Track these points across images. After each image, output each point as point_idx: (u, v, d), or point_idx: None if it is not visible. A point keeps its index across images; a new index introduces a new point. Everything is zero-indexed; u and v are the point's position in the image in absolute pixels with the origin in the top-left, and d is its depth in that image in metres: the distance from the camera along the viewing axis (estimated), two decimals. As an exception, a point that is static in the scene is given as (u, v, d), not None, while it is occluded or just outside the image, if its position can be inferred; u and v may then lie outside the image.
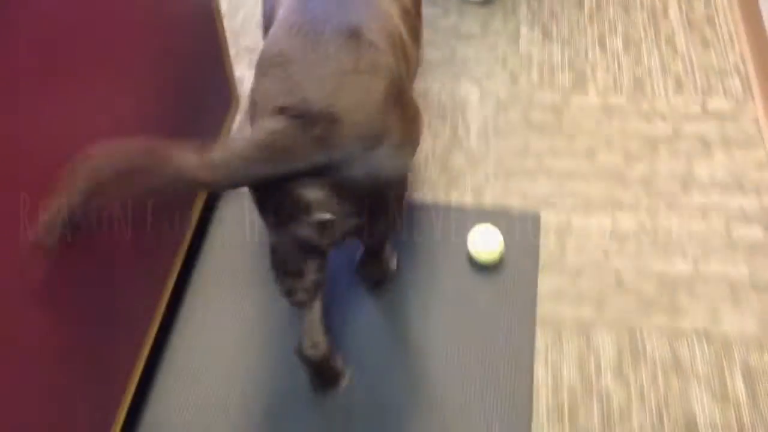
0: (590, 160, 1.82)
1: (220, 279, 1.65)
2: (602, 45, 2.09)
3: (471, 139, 1.88)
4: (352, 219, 1.16)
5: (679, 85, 1.97)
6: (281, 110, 1.07)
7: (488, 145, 1.86)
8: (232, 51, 2.10)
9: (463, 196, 1.76)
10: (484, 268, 1.62)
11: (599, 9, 2.19)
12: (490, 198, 1.75)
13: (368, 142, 1.10)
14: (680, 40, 2.09)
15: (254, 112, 1.14)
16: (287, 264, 1.25)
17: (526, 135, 1.88)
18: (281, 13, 1.24)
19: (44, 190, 1.05)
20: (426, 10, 2.22)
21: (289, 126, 1.05)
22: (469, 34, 2.15)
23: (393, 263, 1.65)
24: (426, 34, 2.15)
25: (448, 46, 2.12)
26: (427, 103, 1.96)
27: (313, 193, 1.10)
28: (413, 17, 1.37)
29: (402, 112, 1.16)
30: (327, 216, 1.12)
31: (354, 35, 1.14)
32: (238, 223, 1.72)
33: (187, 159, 1.02)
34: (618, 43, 2.10)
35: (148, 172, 1.01)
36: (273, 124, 1.06)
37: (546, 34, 2.14)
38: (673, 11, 2.17)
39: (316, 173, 1.08)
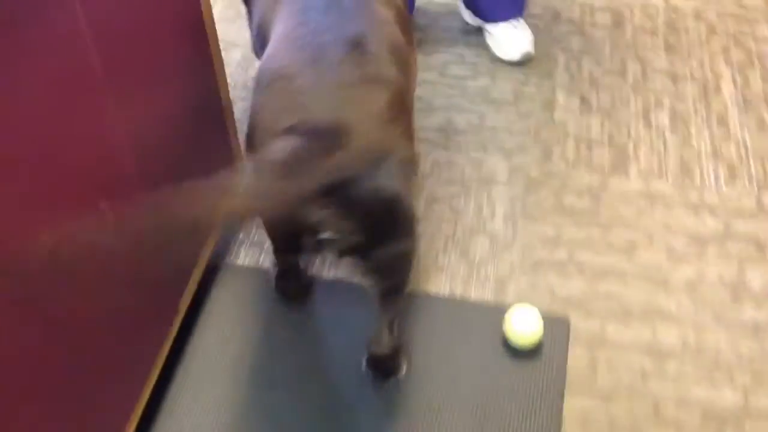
0: (629, 257, 1.62)
1: (208, 373, 1.48)
2: (647, 120, 1.90)
3: (496, 222, 1.69)
4: (355, 236, 1.12)
5: (731, 174, 1.77)
6: (289, 130, 1.03)
7: (515, 230, 1.67)
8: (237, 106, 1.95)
9: (483, 289, 1.57)
10: (503, 373, 1.42)
11: (645, 78, 2.00)
12: (513, 293, 1.56)
13: (377, 155, 1.06)
14: (734, 120, 1.89)
15: (257, 133, 1.09)
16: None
17: (559, 221, 1.68)
18: (279, 28, 1.20)
19: None
20: (455, 70, 2.03)
21: (299, 145, 1.01)
22: (501, 99, 1.96)
23: (402, 360, 1.46)
24: (453, 96, 1.96)
25: (476, 111, 1.93)
26: (450, 176, 1.78)
27: (318, 213, 1.06)
28: (405, 17, 1.31)
29: (407, 124, 1.14)
30: (331, 236, 1.10)
31: (356, 46, 1.11)
32: (228, 319, 1.55)
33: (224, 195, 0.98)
34: (664, 118, 1.90)
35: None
36: (284, 144, 1.01)
37: (584, 103, 1.94)
38: (727, 86, 1.97)
39: (323, 192, 1.02)
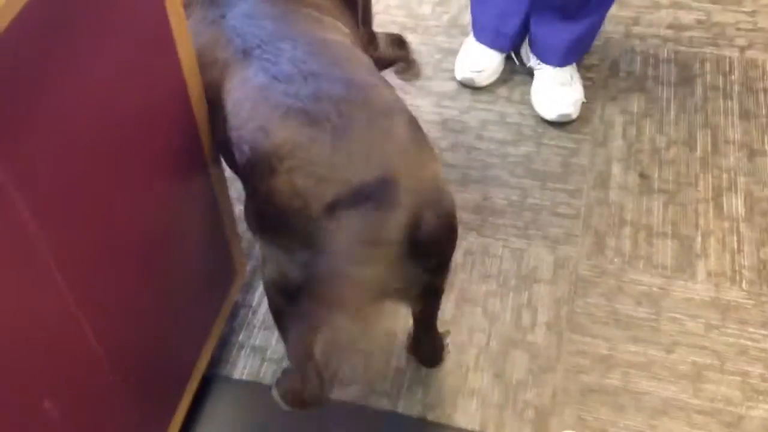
0: (695, 388, 1.35)
1: None
2: (718, 205, 1.62)
3: (537, 333, 1.44)
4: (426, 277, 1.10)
5: (820, 283, 1.51)
6: (334, 205, 0.94)
7: (560, 344, 1.41)
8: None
9: (521, 422, 1.31)
10: None
11: (716, 151, 1.71)
12: (556, 430, 1.33)
13: (428, 184, 1.01)
14: (822, 211, 1.63)
15: (283, 225, 0.98)
16: None
17: (612, 335, 1.42)
18: (242, 101, 1.06)
19: None
20: (495, 133, 1.76)
21: (363, 214, 0.93)
22: (546, 172, 1.69)
23: (446, 340, 1.43)
24: (492, 167, 1.69)
25: (517, 186, 1.66)
26: (486, 270, 1.52)
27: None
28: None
29: (423, 136, 1.06)
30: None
31: (348, 85, 1.03)
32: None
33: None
34: (738, 205, 1.62)
35: None
36: (348, 221, 0.93)
37: (644, 180, 1.67)
38: (814, 166, 1.70)
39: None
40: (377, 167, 0.96)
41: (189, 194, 1.15)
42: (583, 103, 1.80)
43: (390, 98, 1.06)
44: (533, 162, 1.71)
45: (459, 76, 1.85)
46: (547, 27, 1.76)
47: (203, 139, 1.15)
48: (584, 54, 1.86)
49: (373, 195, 0.94)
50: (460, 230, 1.54)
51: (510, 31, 1.83)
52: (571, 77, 1.80)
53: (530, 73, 1.84)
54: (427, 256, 1.05)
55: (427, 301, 1.25)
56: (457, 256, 1.55)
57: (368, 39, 1.46)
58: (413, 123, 1.06)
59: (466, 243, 1.57)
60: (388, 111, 1.03)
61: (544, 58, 1.80)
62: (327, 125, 0.97)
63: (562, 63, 1.78)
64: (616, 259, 1.54)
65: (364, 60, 1.15)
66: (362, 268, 0.92)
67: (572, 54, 1.79)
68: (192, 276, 1.22)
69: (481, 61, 1.83)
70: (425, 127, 1.12)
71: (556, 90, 1.78)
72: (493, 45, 1.85)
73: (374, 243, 0.93)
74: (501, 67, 1.87)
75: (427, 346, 1.42)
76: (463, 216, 1.61)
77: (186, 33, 1.03)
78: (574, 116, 1.78)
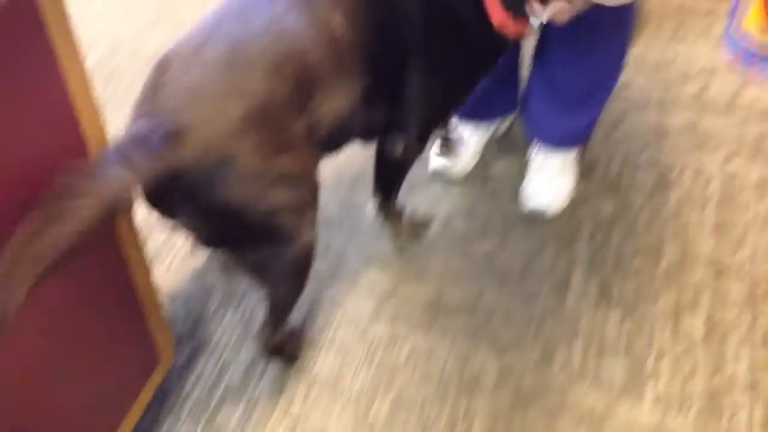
0: None
1: None
2: (676, 325, 1.57)
3: (471, 444, 1.43)
4: (206, 232, 1.22)
5: (769, 421, 1.46)
6: (141, 116, 1.12)
7: (491, 457, 1.40)
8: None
9: None
10: None
11: (681, 267, 1.66)
12: None
13: (214, 161, 1.10)
14: (784, 342, 1.58)
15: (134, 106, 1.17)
16: None
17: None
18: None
19: None
20: (460, 224, 1.75)
21: (140, 133, 1.08)
22: (506, 271, 1.66)
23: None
24: (452, 258, 1.68)
25: (475, 285, 1.64)
26: (428, 371, 1.49)
27: (167, 200, 1.15)
28: (347, 47, 1.26)
29: (268, 144, 1.15)
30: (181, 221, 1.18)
31: (230, 51, 1.16)
32: None
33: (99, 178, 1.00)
34: (698, 326, 1.57)
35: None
36: (130, 128, 1.11)
37: (604, 290, 1.63)
38: (782, 291, 1.65)
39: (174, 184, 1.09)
40: (179, 123, 1.08)
41: (97, 277, 1.16)
42: (572, 197, 1.78)
43: (259, 86, 1.14)
44: (495, 260, 1.69)
45: (432, 165, 1.86)
46: (542, 114, 1.77)
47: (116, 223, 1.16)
48: (581, 144, 1.83)
49: (160, 135, 1.07)
50: (406, 328, 1.54)
51: (491, 113, 1.85)
52: (562, 172, 1.79)
53: (505, 163, 1.84)
54: (207, 219, 1.18)
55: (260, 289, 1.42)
56: (401, 354, 1.54)
57: (405, 142, 1.50)
58: (262, 114, 1.14)
59: (412, 340, 1.56)
60: (245, 92, 1.13)
61: (538, 137, 1.80)
62: (194, 64, 1.14)
63: (557, 144, 1.78)
64: (562, 374, 1.50)
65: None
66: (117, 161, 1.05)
67: (568, 140, 1.78)
68: (100, 360, 1.22)
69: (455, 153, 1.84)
70: None
71: (539, 180, 1.77)
72: (472, 119, 1.86)
73: (128, 155, 1.04)
74: (474, 161, 1.87)
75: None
76: (413, 313, 1.61)
77: (90, 100, 1.05)
78: (551, 213, 1.76)
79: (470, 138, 1.87)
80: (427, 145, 1.57)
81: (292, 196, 1.23)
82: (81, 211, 0.96)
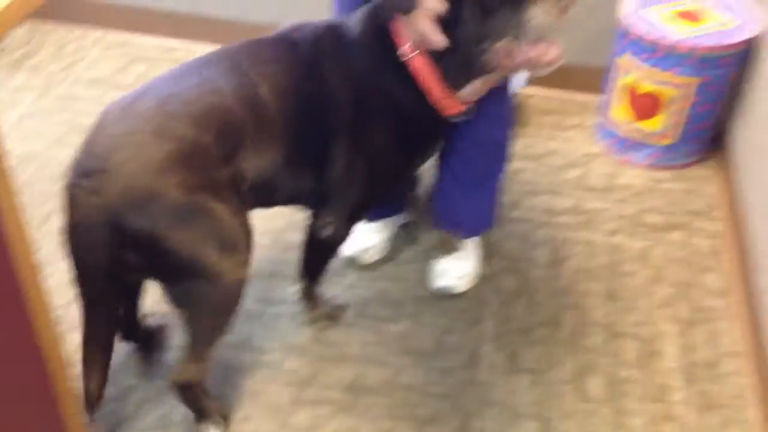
0: None
1: None
2: (579, 387, 1.69)
3: None
4: (136, 272, 1.37)
5: (670, 469, 1.57)
6: (73, 161, 1.31)
7: None
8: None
9: None
10: None
11: (581, 333, 1.80)
12: None
13: (139, 197, 1.26)
14: (676, 394, 1.68)
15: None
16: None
17: None
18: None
19: None
20: (376, 310, 1.83)
21: (71, 175, 1.29)
22: (421, 350, 1.75)
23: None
24: (369, 345, 1.75)
25: (392, 364, 1.71)
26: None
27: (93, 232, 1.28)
28: (272, 114, 1.40)
29: (190, 182, 1.28)
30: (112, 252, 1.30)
31: (164, 103, 1.32)
32: None
33: None
34: (598, 386, 1.69)
35: None
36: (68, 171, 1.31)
37: (513, 360, 1.74)
38: (670, 349, 1.77)
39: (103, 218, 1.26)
40: (105, 164, 1.26)
41: (13, 379, 1.16)
42: (478, 274, 1.90)
43: (185, 131, 1.30)
44: (409, 339, 1.78)
45: (346, 253, 1.97)
46: (445, 201, 1.90)
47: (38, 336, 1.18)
48: (485, 230, 1.95)
49: (88, 176, 1.26)
50: (327, 412, 1.59)
51: (396, 209, 1.98)
52: (467, 253, 1.91)
53: (413, 247, 1.96)
54: (132, 251, 1.30)
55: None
56: (325, 437, 1.59)
57: (327, 223, 1.59)
58: (187, 156, 1.29)
59: (334, 424, 1.60)
60: (170, 135, 1.29)
61: (444, 224, 1.91)
62: (126, 115, 1.31)
63: (464, 233, 1.91)
64: (479, 441, 1.59)
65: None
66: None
67: (471, 229, 1.90)
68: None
69: (367, 239, 1.95)
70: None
71: (447, 262, 1.89)
72: (378, 218, 1.97)
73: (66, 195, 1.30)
74: (386, 245, 1.98)
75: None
76: (334, 396, 1.66)
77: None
78: (458, 291, 1.88)
79: (380, 227, 2.00)
80: (352, 229, 1.66)
81: (215, 235, 1.33)
82: None
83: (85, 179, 1.27)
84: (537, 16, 1.33)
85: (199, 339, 1.49)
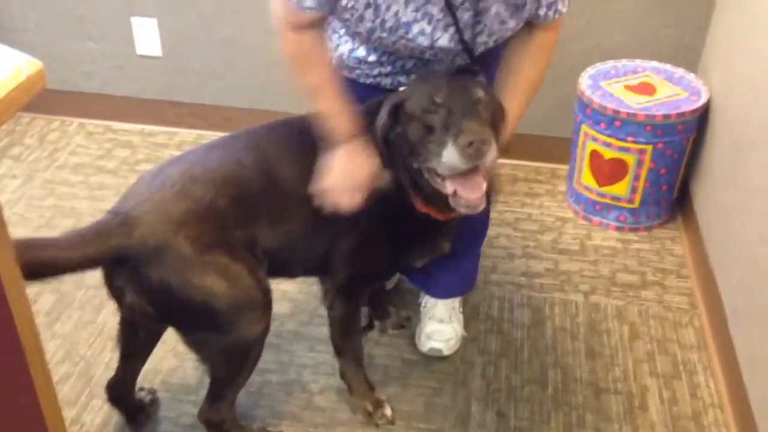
0: None
1: None
2: (568, 442, 1.75)
3: None
4: (153, 319, 1.50)
5: None
6: (110, 211, 1.47)
7: None
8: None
9: None
10: None
11: (566, 390, 1.85)
12: None
13: (154, 245, 1.39)
14: (662, 445, 1.75)
15: None
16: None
17: None
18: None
19: None
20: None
21: (103, 221, 1.44)
22: (410, 411, 1.77)
23: None
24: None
25: (381, 429, 1.72)
26: None
27: (119, 279, 1.43)
28: (291, 194, 1.54)
29: (203, 239, 1.42)
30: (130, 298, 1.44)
31: (186, 170, 1.49)
32: None
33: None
34: (587, 440, 1.76)
35: None
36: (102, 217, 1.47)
37: (502, 419, 1.77)
38: (653, 401, 1.82)
39: (123, 263, 1.41)
40: (132, 215, 1.42)
41: None
42: (463, 336, 1.95)
43: (204, 194, 1.45)
44: (399, 402, 1.80)
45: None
46: (428, 269, 1.94)
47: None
48: (466, 291, 2.02)
49: (119, 222, 1.41)
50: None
51: None
52: (450, 316, 1.96)
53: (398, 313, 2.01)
54: (146, 298, 1.43)
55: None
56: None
57: (331, 292, 1.68)
58: (203, 215, 1.44)
59: (329, 488, 1.61)
60: (190, 197, 1.45)
61: (425, 290, 1.98)
62: (156, 181, 1.47)
63: (443, 295, 1.95)
64: (474, 500, 1.60)
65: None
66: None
67: (453, 288, 1.96)
68: None
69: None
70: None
71: (432, 326, 1.94)
72: None
73: (88, 237, 1.41)
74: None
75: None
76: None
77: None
78: (446, 353, 1.92)
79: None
80: (353, 304, 1.70)
81: (228, 290, 1.43)
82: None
83: (115, 216, 1.44)
84: (448, 154, 1.34)
85: (217, 382, 1.59)
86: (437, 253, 1.69)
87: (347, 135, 1.49)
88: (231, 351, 1.51)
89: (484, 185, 1.39)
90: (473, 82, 1.46)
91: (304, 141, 1.56)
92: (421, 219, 1.54)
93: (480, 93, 1.43)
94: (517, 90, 1.58)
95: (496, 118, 1.47)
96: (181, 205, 1.43)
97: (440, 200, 1.45)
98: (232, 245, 1.46)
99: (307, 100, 1.50)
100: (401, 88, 1.56)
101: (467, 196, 1.38)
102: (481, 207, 1.39)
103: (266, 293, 1.51)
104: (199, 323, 1.46)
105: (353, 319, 1.73)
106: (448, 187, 1.39)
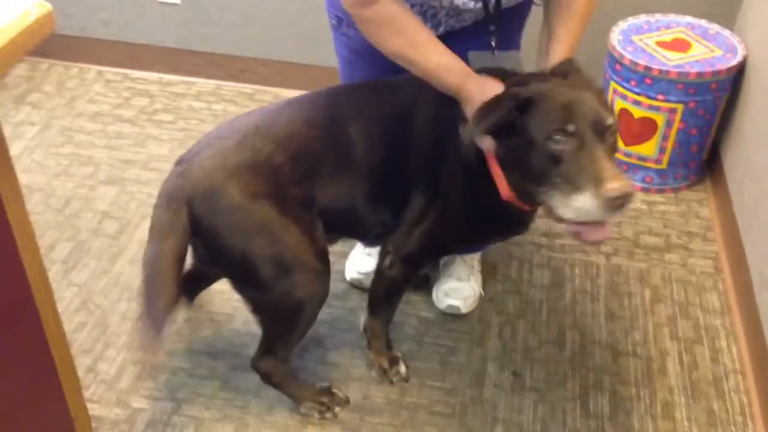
0: None
1: None
2: (584, 404, 1.70)
3: None
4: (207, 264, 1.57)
5: (678, 484, 1.57)
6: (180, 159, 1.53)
7: None
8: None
9: None
10: None
11: (583, 352, 1.82)
12: None
13: (206, 189, 1.43)
14: (680, 411, 1.69)
15: None
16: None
17: None
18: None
19: None
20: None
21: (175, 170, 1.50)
22: (425, 369, 1.76)
23: None
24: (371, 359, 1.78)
25: (396, 384, 1.71)
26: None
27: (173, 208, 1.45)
28: (357, 152, 1.52)
29: (253, 189, 1.43)
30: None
31: (253, 124, 1.51)
32: None
33: None
34: (604, 404, 1.70)
35: None
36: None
37: (517, 379, 1.75)
38: (673, 366, 1.79)
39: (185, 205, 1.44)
40: (193, 161, 1.47)
41: None
42: (481, 295, 1.93)
43: (250, 156, 1.46)
44: (414, 360, 1.79)
45: (348, 277, 1.98)
46: None
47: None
48: (485, 248, 1.99)
49: (181, 164, 1.49)
50: (337, 429, 1.59)
51: None
52: (469, 275, 1.93)
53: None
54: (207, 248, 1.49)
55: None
56: (331, 457, 1.58)
57: (395, 254, 1.61)
58: (247, 170, 1.45)
59: (339, 443, 1.61)
60: (241, 154, 1.47)
61: None
62: (218, 142, 1.49)
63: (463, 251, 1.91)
64: (487, 459, 1.59)
65: None
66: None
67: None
68: None
69: (367, 263, 1.96)
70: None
71: (450, 283, 1.91)
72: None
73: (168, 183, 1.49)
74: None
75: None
76: (342, 415, 1.66)
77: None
78: (463, 311, 1.90)
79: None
80: (413, 272, 1.67)
81: (271, 245, 1.45)
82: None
83: (178, 166, 1.49)
84: (584, 202, 1.24)
85: (265, 336, 1.61)
86: (512, 236, 1.66)
87: (466, 77, 1.40)
88: (277, 309, 1.52)
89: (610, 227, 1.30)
90: (600, 97, 1.34)
91: (383, 104, 1.53)
92: (505, 205, 1.47)
93: (611, 119, 1.31)
94: (571, 18, 1.46)
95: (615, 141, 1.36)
96: (238, 155, 1.45)
97: (533, 198, 1.37)
98: (285, 200, 1.45)
99: (406, 64, 1.43)
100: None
101: (591, 237, 1.29)
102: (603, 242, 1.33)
103: (321, 255, 1.49)
104: (244, 274, 1.48)
105: (405, 285, 1.70)
106: (570, 227, 1.30)
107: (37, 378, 1.20)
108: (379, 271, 1.66)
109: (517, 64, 1.54)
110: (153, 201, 1.46)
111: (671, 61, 2.15)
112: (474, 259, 1.96)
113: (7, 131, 2.49)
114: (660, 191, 2.31)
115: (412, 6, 1.49)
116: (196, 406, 1.68)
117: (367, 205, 1.55)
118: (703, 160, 2.33)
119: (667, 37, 2.25)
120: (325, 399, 1.66)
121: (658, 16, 2.32)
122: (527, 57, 1.58)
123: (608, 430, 1.64)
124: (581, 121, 1.27)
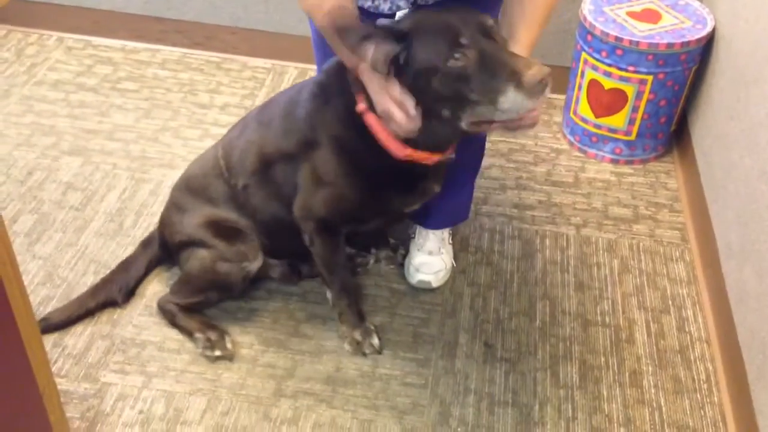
0: None
1: None
2: (554, 374, 1.72)
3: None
4: None
5: (645, 450, 1.60)
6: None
7: None
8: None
9: None
10: None
11: (553, 322, 1.85)
12: None
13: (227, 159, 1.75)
14: (648, 379, 1.72)
15: None
16: None
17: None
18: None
19: None
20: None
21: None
22: (397, 341, 1.76)
23: None
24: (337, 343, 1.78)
25: (369, 358, 1.72)
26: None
27: None
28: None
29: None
30: None
31: (262, 122, 1.70)
32: None
33: None
34: (573, 373, 1.73)
35: None
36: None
37: (489, 350, 1.76)
38: (640, 335, 1.82)
39: None
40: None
41: None
42: (453, 266, 1.93)
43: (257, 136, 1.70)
44: (386, 332, 1.79)
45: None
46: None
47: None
48: (460, 222, 1.99)
49: None
50: (307, 404, 1.59)
51: None
52: (440, 248, 1.93)
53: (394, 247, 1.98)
54: None
55: None
56: (306, 429, 1.58)
57: (308, 229, 1.67)
58: (257, 152, 1.67)
59: (315, 415, 1.61)
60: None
61: (418, 221, 1.93)
62: (241, 131, 1.77)
63: (435, 226, 1.91)
64: (459, 429, 1.60)
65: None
66: None
67: (447, 220, 1.93)
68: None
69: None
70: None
71: (422, 257, 1.91)
72: None
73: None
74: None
75: None
76: (315, 387, 1.66)
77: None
78: (435, 285, 1.90)
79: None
80: (332, 242, 1.67)
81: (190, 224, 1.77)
82: None
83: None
84: (512, 100, 1.26)
85: (181, 282, 1.81)
86: (427, 197, 1.63)
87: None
88: (195, 270, 1.77)
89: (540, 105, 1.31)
90: (466, 8, 1.35)
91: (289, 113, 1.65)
92: (400, 167, 1.47)
93: (489, 19, 1.32)
94: (531, 18, 1.43)
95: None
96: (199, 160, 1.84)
97: (442, 142, 1.42)
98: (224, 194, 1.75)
99: (326, 36, 1.39)
100: (399, 14, 1.48)
101: (528, 124, 1.31)
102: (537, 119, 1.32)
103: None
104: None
105: (334, 254, 1.70)
106: (504, 126, 1.32)
107: (5, 353, 1.17)
108: (308, 249, 1.70)
109: None
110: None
111: (642, 32, 2.15)
112: (446, 232, 1.97)
113: (-35, 100, 2.43)
114: (629, 162, 2.34)
115: None
116: (166, 380, 1.67)
117: (269, 188, 1.69)
118: (671, 131, 2.36)
119: (638, 7, 2.26)
120: (212, 336, 1.72)
121: (629, -14, 2.33)
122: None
123: (578, 398, 1.67)
124: (468, 31, 1.29)
